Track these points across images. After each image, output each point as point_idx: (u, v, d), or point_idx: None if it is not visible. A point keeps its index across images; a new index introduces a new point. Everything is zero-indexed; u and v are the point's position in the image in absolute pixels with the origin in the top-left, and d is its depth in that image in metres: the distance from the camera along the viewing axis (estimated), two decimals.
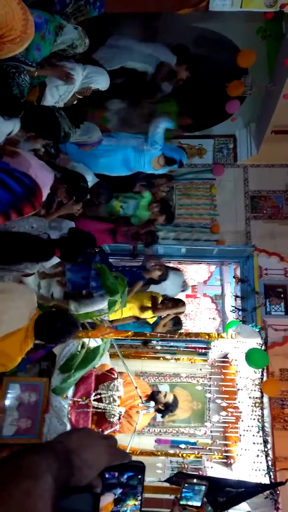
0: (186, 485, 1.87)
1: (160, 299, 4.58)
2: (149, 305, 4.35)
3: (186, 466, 4.50)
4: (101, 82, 3.90)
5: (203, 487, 1.85)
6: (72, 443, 0.66)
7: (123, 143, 4.36)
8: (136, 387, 4.28)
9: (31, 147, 3.12)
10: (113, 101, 4.65)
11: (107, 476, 0.67)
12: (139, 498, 0.72)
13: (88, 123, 4.24)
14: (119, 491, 0.69)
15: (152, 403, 4.44)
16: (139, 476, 0.71)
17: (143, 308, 4.35)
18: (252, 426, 4.01)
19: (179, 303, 4.53)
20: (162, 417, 4.70)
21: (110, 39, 4.58)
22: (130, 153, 4.32)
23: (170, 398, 4.51)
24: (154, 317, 4.49)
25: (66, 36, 3.19)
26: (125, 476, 0.69)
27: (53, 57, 3.39)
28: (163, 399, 4.47)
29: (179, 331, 4.52)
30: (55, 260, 2.94)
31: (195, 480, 1.89)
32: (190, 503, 1.89)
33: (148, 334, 4.43)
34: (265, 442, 3.81)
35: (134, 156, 4.32)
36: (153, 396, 4.46)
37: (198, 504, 1.87)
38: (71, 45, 3.30)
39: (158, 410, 4.54)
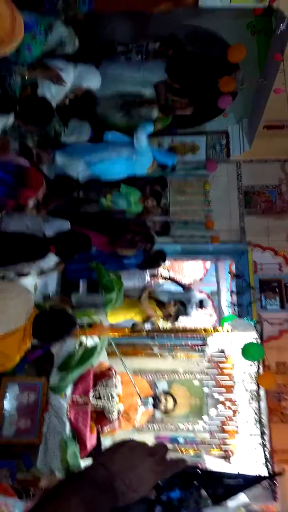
0: None
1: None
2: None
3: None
4: (93, 81, 3.90)
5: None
6: (115, 465, 0.63)
7: (114, 156, 4.54)
8: (134, 385, 4.31)
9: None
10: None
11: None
12: None
13: (78, 121, 4.25)
14: (158, 508, 0.71)
15: (151, 400, 4.49)
16: (186, 493, 0.74)
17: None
18: (250, 419, 4.06)
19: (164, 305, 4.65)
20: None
21: (99, 67, 4.61)
22: (123, 164, 4.60)
23: (170, 407, 4.66)
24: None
25: (55, 32, 3.20)
26: (165, 497, 0.71)
27: (44, 58, 3.39)
28: (163, 409, 4.69)
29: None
30: (52, 258, 2.95)
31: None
32: None
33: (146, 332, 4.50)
34: (262, 434, 3.86)
35: (126, 166, 4.61)
36: (153, 406, 4.59)
37: None
38: (60, 43, 3.30)
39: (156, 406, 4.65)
